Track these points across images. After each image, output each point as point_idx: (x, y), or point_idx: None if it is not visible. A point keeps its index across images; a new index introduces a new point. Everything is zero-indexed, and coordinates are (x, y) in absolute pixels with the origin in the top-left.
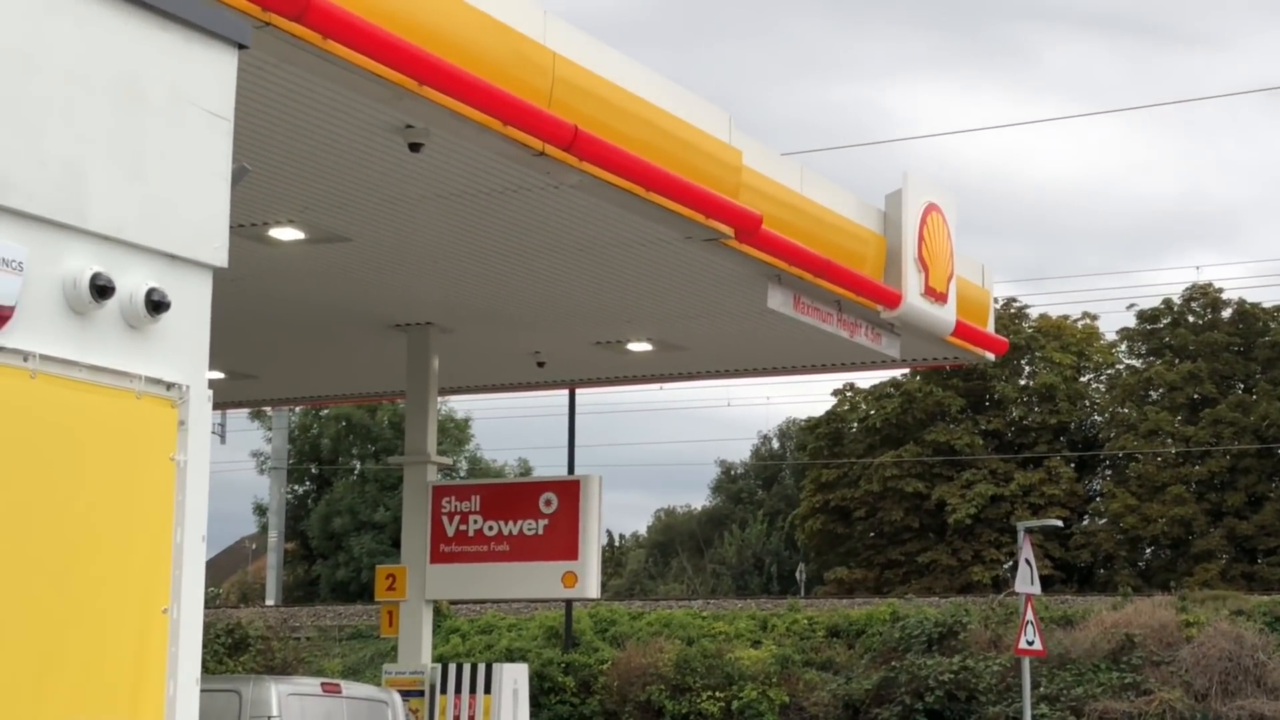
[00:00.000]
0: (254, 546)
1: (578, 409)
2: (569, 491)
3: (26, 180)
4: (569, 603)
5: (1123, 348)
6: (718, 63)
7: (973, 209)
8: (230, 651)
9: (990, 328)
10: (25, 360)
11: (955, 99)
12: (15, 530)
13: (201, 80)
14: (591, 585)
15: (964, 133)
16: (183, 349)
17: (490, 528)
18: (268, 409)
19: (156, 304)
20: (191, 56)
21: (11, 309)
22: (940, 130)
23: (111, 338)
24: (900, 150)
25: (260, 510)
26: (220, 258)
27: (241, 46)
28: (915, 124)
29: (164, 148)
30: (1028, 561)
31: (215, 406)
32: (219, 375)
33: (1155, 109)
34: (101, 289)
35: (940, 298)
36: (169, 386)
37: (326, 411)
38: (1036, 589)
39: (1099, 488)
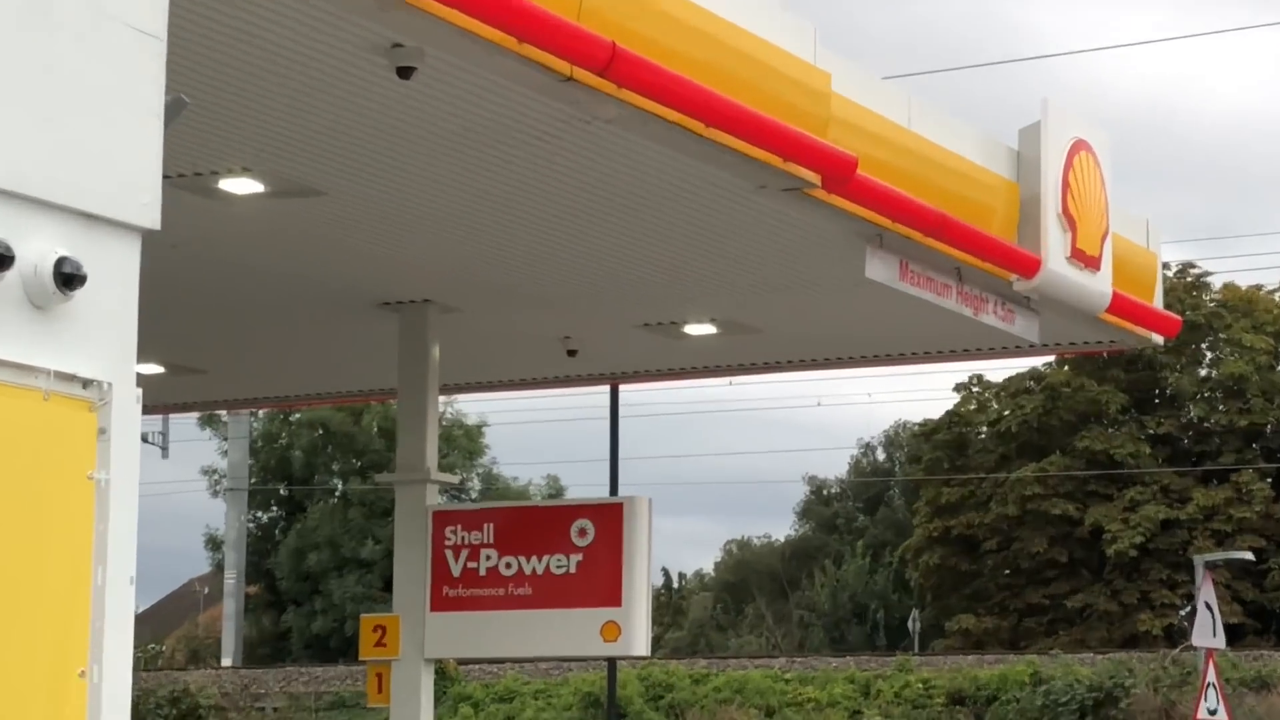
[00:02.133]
0: (206, 591)
1: (622, 411)
2: (610, 518)
3: None
4: (612, 662)
5: None
6: None
7: (1133, 149)
8: None
9: (1158, 302)
10: None
11: (1109, 5)
12: None
13: None
14: (640, 639)
15: (1121, 48)
16: (104, 336)
17: (508, 565)
18: (222, 413)
19: (68, 277)
20: None
21: None
22: (1090, 45)
23: (10, 322)
24: (1038, 73)
25: (214, 544)
26: (151, 217)
27: None
28: (1057, 39)
29: (77, 76)
30: (1209, 606)
31: (150, 410)
32: (155, 369)
33: None
34: None
35: (1092, 263)
36: (86, 384)
37: (298, 416)
38: (1221, 642)
39: None
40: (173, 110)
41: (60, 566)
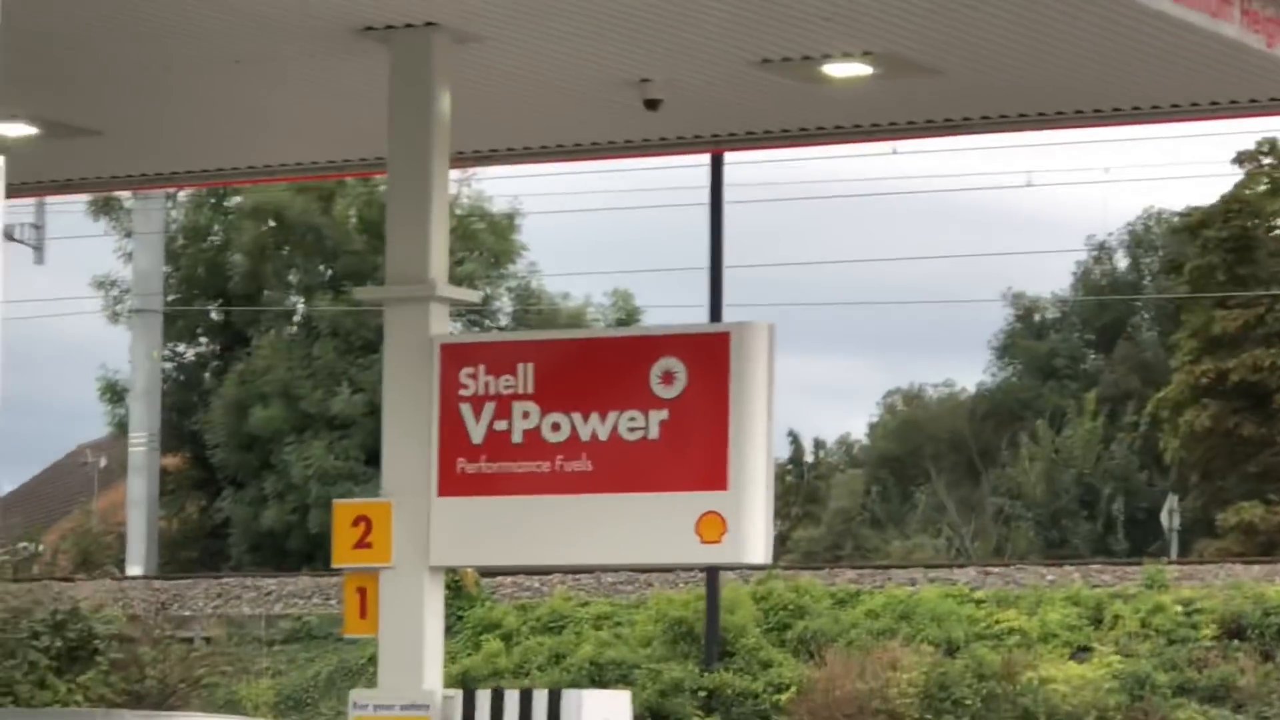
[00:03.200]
0: (103, 464)
1: (727, 196)
2: (711, 355)
3: None
4: (713, 572)
5: None
6: None
7: None
8: (61, 663)
9: None
10: None
11: None
12: None
13: None
14: (756, 539)
15: None
16: None
17: (556, 427)
18: (124, 196)
19: None
20: None
21: None
22: None
23: None
24: None
25: (113, 393)
26: None
27: None
28: None
29: None
30: None
31: (16, 191)
32: (24, 129)
33: None
34: None
35: None
36: None
37: (238, 200)
38: None
39: None
40: None
41: None
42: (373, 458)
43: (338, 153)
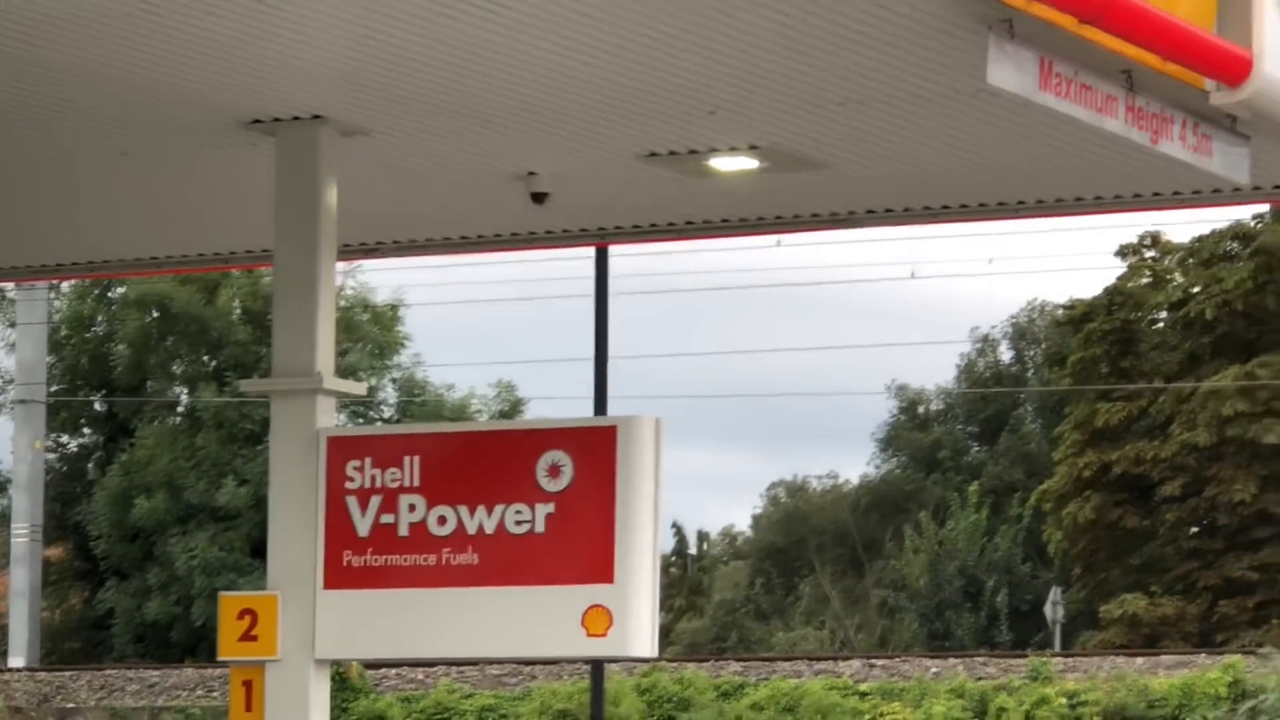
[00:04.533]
0: None
1: (612, 288)
2: (597, 448)
3: None
4: (598, 665)
5: None
6: None
7: None
8: None
9: None
10: None
11: None
12: None
13: None
14: (641, 632)
15: None
16: None
17: (442, 520)
18: (7, 287)
19: None
20: None
21: None
22: None
23: None
24: None
25: None
26: None
27: None
28: None
29: None
30: None
31: None
32: None
33: None
34: None
35: None
36: None
37: (122, 291)
38: None
39: None
40: None
41: None
42: (257, 549)
43: (224, 245)
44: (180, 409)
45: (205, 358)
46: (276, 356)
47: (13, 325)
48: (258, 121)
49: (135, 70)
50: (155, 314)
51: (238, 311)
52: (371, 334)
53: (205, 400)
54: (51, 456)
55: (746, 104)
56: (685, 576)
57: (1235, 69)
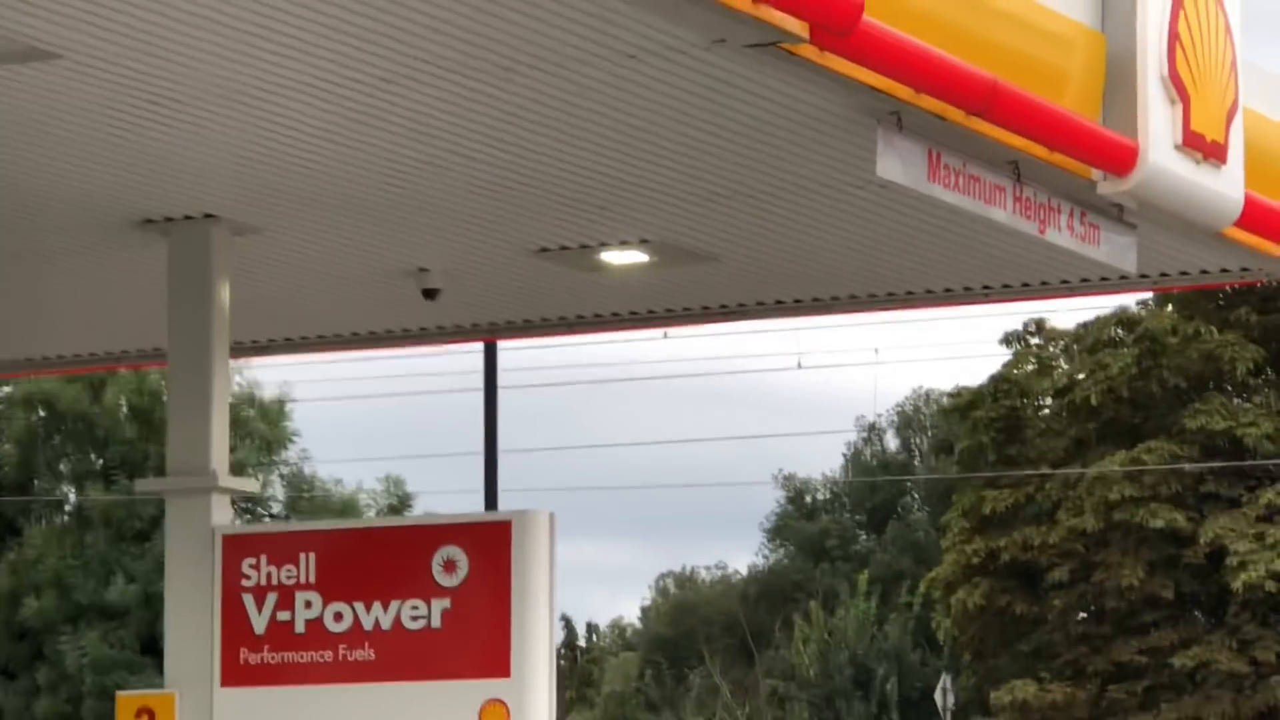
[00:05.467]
0: None
1: (501, 382)
2: (492, 543)
3: None
4: None
5: None
6: None
7: None
8: None
9: None
10: None
11: None
12: None
13: None
14: None
15: None
16: None
17: (339, 617)
18: None
19: None
20: None
21: None
22: None
23: None
24: None
25: None
26: None
27: None
28: None
29: None
30: None
31: None
32: None
33: None
34: None
35: (1213, 151)
36: None
37: (8, 389)
38: None
39: None
40: None
41: None
42: (148, 647)
43: (115, 344)
44: (68, 507)
45: (92, 456)
46: (171, 455)
47: None
48: (150, 221)
49: (30, 173)
50: (42, 413)
51: (124, 409)
52: (259, 430)
53: (93, 498)
54: None
55: (636, 198)
56: (575, 668)
57: (1121, 159)
